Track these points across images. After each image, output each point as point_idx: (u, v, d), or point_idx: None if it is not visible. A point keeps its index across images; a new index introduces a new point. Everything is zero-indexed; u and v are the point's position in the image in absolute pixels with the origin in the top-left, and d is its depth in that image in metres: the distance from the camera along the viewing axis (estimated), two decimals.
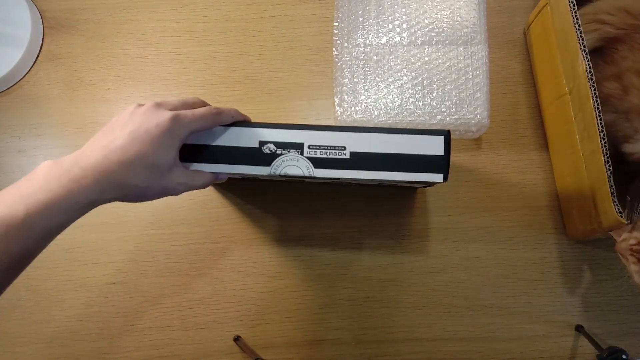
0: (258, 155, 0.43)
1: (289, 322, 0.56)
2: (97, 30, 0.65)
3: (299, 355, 0.56)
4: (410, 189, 0.57)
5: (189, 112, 0.39)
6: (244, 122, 0.44)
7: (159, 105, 0.39)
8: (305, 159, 0.43)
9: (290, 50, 0.64)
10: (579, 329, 0.56)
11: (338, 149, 0.43)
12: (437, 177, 0.42)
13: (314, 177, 0.43)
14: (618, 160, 0.52)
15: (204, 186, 0.43)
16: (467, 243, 0.58)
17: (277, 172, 0.43)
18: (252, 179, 0.53)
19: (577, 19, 0.50)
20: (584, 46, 0.50)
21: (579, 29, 0.50)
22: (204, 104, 0.44)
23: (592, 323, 0.56)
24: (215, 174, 0.44)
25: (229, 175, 0.46)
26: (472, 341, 0.56)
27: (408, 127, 0.58)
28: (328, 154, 0.43)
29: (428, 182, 0.44)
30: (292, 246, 0.58)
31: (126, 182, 0.36)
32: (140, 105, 0.39)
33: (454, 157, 0.59)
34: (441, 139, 0.43)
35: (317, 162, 0.43)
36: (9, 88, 0.63)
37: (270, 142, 0.43)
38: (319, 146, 0.43)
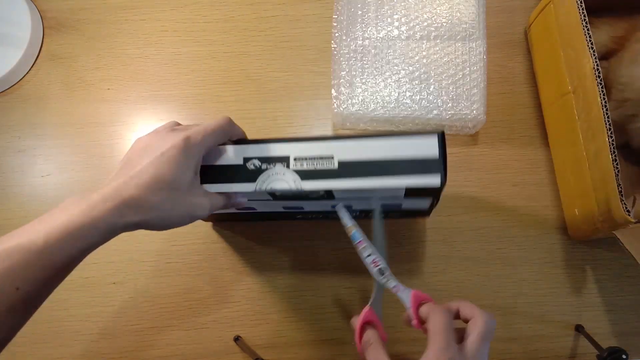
0: (243, 172, 0.41)
1: (289, 322, 0.56)
2: (97, 30, 0.65)
3: (299, 355, 0.56)
4: (409, 215, 0.56)
5: (200, 128, 0.39)
6: (228, 141, 0.43)
7: (173, 128, 0.40)
8: (292, 172, 0.41)
9: (290, 50, 0.64)
10: (579, 329, 0.56)
11: (325, 159, 0.41)
12: (434, 179, 0.39)
13: (302, 191, 0.41)
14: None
15: (225, 207, 0.43)
16: (467, 243, 0.58)
17: (263, 188, 0.41)
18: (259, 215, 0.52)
19: (584, 16, 0.50)
20: (591, 43, 0.49)
21: (586, 26, 0.50)
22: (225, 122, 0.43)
23: (592, 323, 0.56)
24: (232, 195, 0.44)
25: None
26: None
27: (404, 124, 0.58)
28: (315, 165, 0.40)
29: (423, 188, 0.41)
30: (293, 246, 0.58)
31: (144, 204, 0.36)
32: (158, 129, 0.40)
33: (451, 156, 0.59)
34: (435, 138, 0.40)
35: (305, 175, 0.40)
36: (9, 88, 0.63)
37: (255, 158, 0.41)
38: (306, 158, 0.41)
